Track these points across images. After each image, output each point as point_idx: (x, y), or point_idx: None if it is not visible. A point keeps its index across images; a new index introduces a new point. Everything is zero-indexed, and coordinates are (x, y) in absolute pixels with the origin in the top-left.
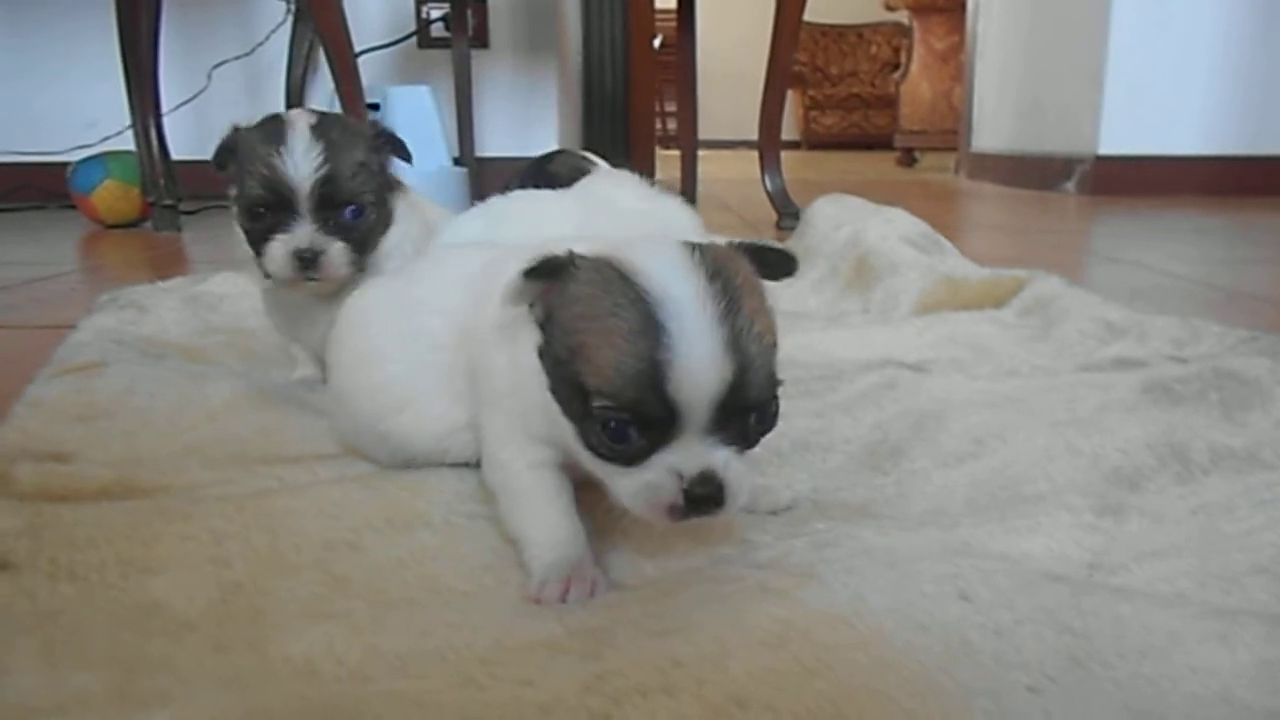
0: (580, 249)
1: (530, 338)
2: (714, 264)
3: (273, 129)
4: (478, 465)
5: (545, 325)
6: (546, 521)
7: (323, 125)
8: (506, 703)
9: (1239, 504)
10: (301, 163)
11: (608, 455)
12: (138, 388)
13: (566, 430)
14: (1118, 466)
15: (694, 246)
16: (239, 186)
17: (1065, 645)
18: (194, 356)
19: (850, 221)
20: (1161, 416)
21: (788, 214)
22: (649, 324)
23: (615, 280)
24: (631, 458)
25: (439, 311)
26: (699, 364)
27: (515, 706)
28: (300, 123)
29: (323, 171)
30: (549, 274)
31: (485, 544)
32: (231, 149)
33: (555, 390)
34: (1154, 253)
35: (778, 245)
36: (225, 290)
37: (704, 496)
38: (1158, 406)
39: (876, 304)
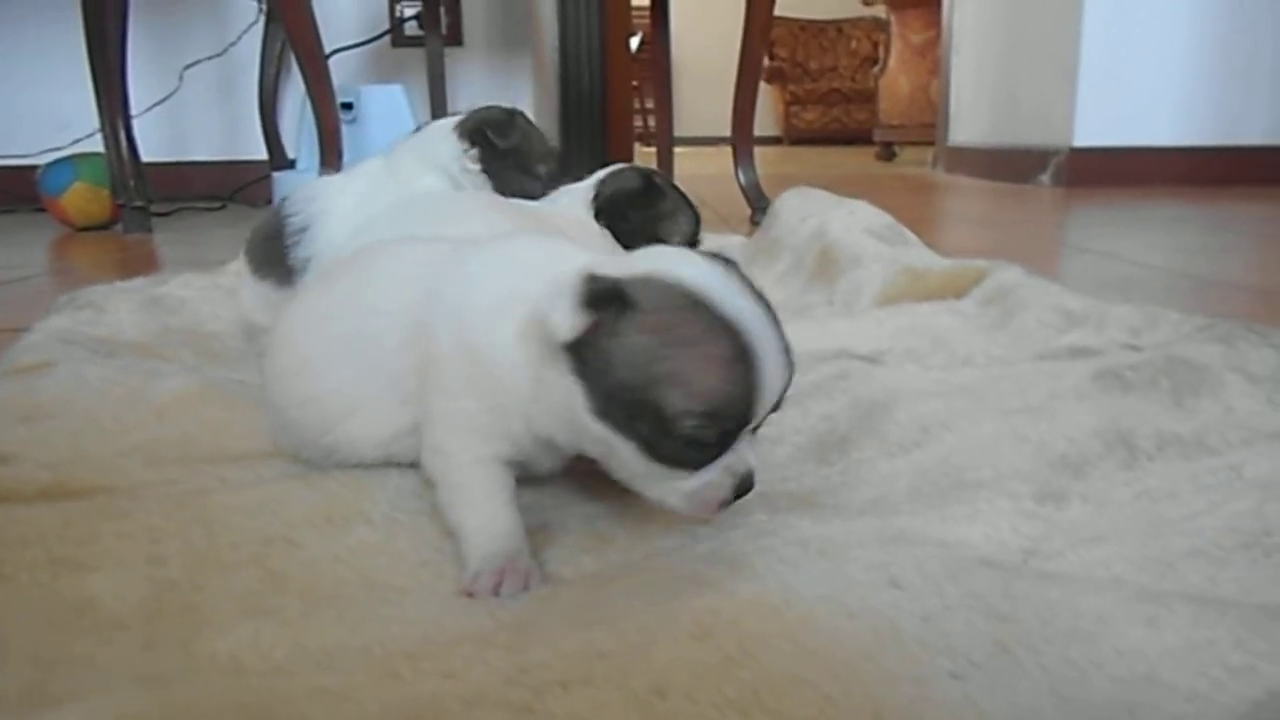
0: (600, 269)
1: (561, 361)
2: (744, 279)
3: None
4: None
5: (584, 351)
6: (485, 513)
7: None
8: (429, 696)
9: (1182, 489)
10: None
11: (682, 464)
12: (85, 386)
13: (607, 444)
14: (1063, 454)
15: (717, 259)
16: None
17: (993, 631)
18: (148, 354)
19: (815, 214)
20: (1111, 404)
21: (760, 209)
22: (739, 349)
23: (687, 304)
24: (703, 463)
25: (383, 313)
26: (775, 381)
27: (437, 699)
28: None
29: None
30: (606, 302)
31: (425, 540)
32: None
33: (606, 413)
34: (1126, 243)
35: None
36: (186, 294)
37: (748, 488)
38: (1108, 394)
39: (840, 296)
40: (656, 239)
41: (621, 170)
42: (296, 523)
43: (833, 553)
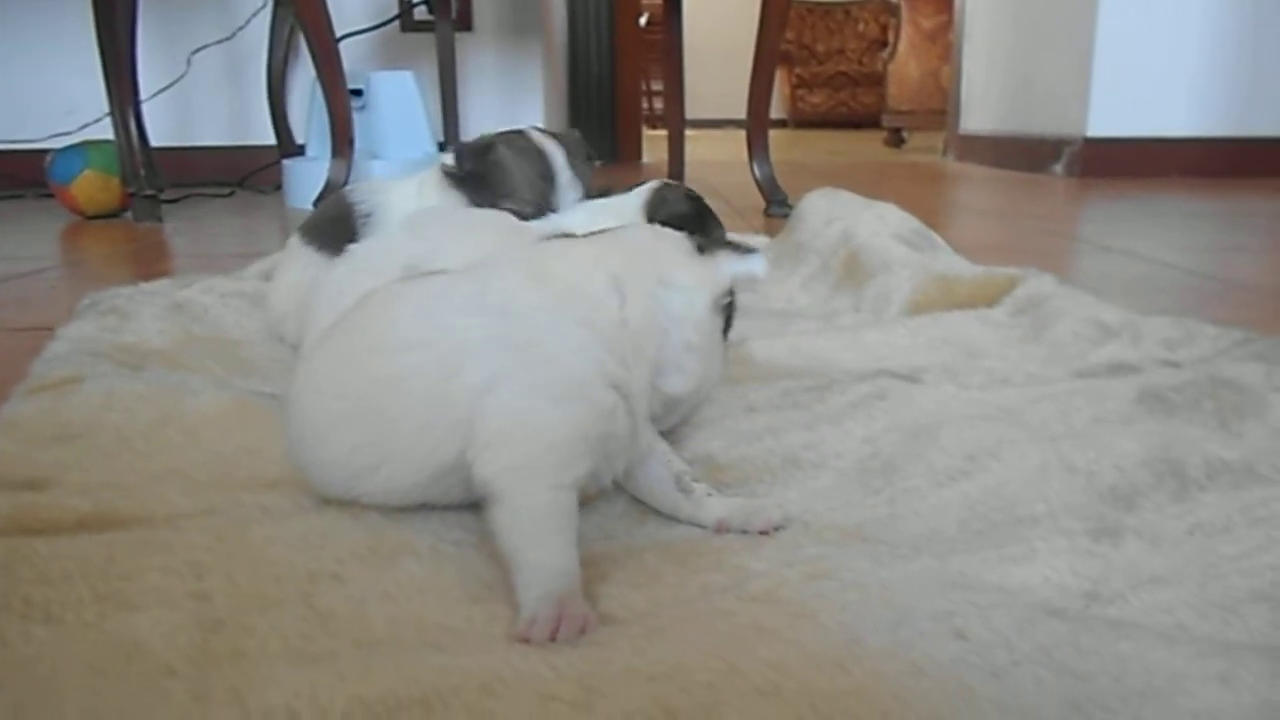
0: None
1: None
2: None
3: None
4: (464, 506)
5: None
6: (548, 548)
7: None
8: None
9: (1236, 522)
10: None
11: None
12: (115, 403)
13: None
14: (1113, 485)
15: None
16: None
17: (1065, 688)
18: (175, 364)
19: (841, 217)
20: (1157, 428)
21: (775, 201)
22: None
23: None
24: None
25: (416, 346)
26: None
27: None
28: None
29: None
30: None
31: (473, 574)
32: None
33: None
34: (1144, 240)
35: None
36: (209, 300)
37: None
38: (1153, 417)
39: (868, 302)
40: None
41: (663, 191)
42: (342, 556)
43: (894, 600)
